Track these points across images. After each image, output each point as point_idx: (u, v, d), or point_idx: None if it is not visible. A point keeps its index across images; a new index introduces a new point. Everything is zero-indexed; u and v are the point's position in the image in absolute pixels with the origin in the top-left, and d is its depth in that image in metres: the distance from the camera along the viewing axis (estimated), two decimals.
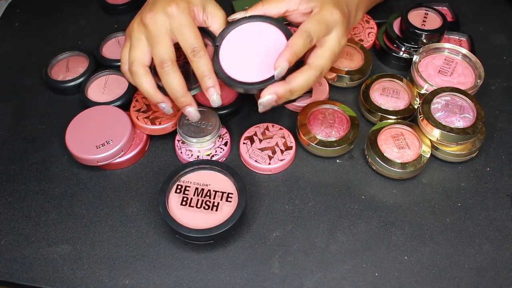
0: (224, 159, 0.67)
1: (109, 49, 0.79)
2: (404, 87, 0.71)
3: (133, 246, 0.59)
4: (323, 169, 0.66)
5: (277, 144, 0.66)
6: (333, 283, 0.56)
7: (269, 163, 0.64)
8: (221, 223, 0.56)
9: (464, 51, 0.72)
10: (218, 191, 0.60)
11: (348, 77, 0.73)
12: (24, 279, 0.57)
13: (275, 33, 0.58)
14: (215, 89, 0.56)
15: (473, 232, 0.60)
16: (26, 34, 0.86)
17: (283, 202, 0.63)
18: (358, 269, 0.57)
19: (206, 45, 0.58)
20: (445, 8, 0.82)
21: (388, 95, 0.70)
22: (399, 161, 0.63)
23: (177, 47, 0.57)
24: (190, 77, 0.60)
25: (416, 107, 0.68)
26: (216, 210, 0.58)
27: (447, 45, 0.73)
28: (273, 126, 0.68)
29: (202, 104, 0.68)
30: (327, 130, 0.66)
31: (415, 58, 0.72)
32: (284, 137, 0.67)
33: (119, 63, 0.63)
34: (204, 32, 0.59)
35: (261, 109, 0.56)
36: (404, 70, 0.76)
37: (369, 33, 0.80)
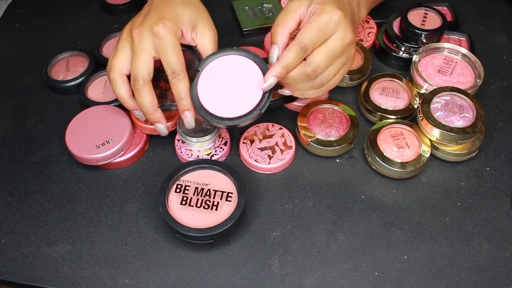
0: (224, 158, 0.67)
1: (109, 49, 0.79)
2: (403, 87, 0.71)
3: (133, 245, 0.59)
4: (323, 168, 0.66)
5: (277, 144, 0.66)
6: (332, 283, 0.56)
7: (269, 163, 0.64)
8: (221, 222, 0.56)
9: (464, 50, 0.72)
10: (218, 191, 0.60)
11: (348, 77, 0.73)
12: (24, 278, 0.57)
13: (256, 71, 0.58)
14: (190, 112, 0.59)
15: (472, 231, 0.60)
16: (26, 34, 0.86)
17: (282, 201, 0.63)
18: (358, 268, 0.57)
19: (192, 63, 0.60)
20: (445, 8, 0.82)
21: (388, 94, 0.70)
22: (399, 161, 0.63)
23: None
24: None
25: (415, 106, 0.68)
26: (216, 209, 0.58)
27: (446, 44, 0.73)
28: (273, 125, 0.68)
29: None
30: (327, 130, 0.66)
31: (415, 57, 0.72)
32: (284, 137, 0.67)
33: None
34: (192, 51, 0.61)
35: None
36: (404, 70, 0.76)
37: (369, 33, 0.80)
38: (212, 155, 0.65)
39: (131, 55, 0.58)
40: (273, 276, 0.57)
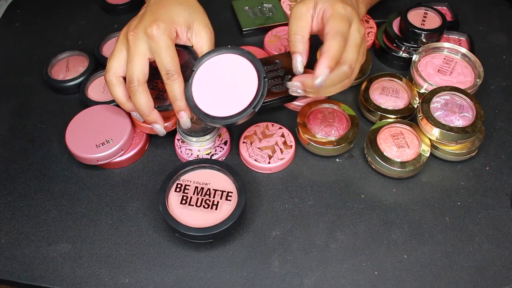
0: (224, 158, 0.67)
1: (109, 49, 0.79)
2: (403, 86, 0.71)
3: (133, 244, 0.60)
4: (323, 168, 0.66)
5: (276, 143, 0.66)
6: (332, 282, 0.56)
7: (269, 162, 0.64)
8: (221, 221, 0.56)
9: (464, 50, 0.72)
10: (218, 190, 0.60)
11: None
12: (24, 277, 0.57)
13: (250, 69, 0.59)
14: (186, 112, 0.59)
15: (472, 231, 0.60)
16: (26, 34, 0.86)
17: (282, 201, 0.63)
18: (358, 267, 0.57)
19: (189, 63, 0.60)
20: (445, 7, 0.82)
21: (387, 94, 0.70)
22: (399, 160, 0.63)
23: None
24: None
25: (415, 106, 0.68)
26: (216, 209, 0.58)
27: (446, 44, 0.73)
28: (272, 125, 0.68)
29: None
30: (327, 129, 0.66)
31: (415, 57, 0.72)
32: (283, 136, 0.67)
33: None
34: (189, 51, 0.61)
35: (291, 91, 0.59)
36: (404, 70, 0.76)
37: (369, 32, 0.80)
38: (212, 155, 0.65)
39: (127, 57, 0.58)
40: (273, 275, 0.57)
